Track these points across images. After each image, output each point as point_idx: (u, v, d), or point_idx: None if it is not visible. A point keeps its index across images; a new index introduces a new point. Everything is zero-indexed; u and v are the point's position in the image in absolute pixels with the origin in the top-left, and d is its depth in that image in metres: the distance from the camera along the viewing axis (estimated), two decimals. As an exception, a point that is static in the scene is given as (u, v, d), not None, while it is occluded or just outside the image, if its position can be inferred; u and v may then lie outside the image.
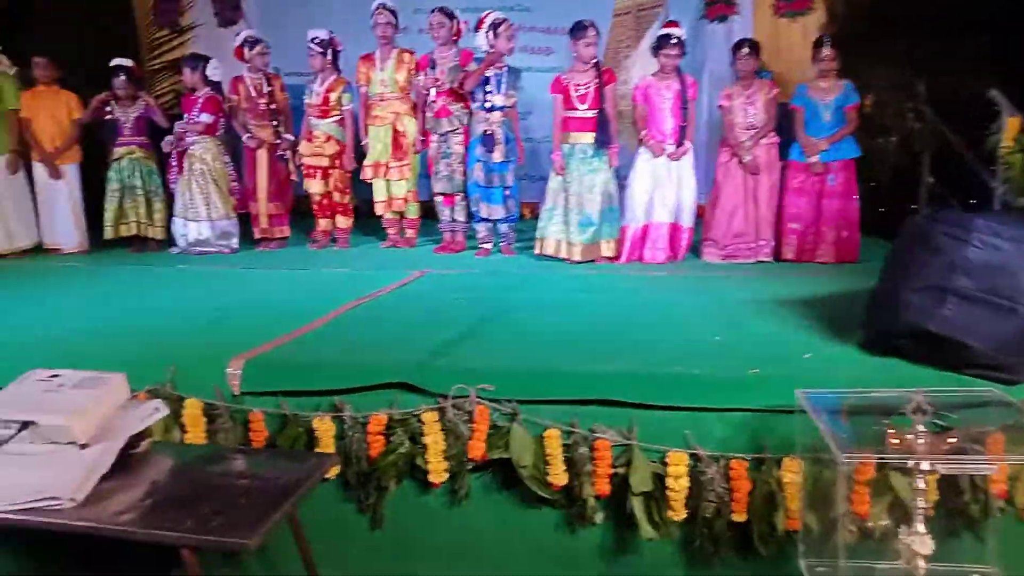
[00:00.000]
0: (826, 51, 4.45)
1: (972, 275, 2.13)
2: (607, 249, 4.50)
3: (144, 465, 1.99)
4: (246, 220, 5.20)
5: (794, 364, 2.34)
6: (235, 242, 5.08)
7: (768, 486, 2.08)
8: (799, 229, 4.52)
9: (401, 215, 5.13)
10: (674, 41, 4.39)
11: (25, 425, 1.85)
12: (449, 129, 4.80)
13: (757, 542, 2.10)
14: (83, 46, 5.58)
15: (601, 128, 4.37)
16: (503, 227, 4.81)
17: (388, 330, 2.86)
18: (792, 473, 2.06)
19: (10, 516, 1.73)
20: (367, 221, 5.45)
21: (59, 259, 4.96)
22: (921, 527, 1.74)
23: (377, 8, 4.83)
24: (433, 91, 4.76)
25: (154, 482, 1.90)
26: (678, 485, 2.11)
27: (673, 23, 4.77)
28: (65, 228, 5.09)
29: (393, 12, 4.85)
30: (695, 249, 4.64)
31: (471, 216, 4.85)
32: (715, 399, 2.14)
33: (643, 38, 6.02)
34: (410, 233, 5.19)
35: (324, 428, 2.27)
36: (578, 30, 4.36)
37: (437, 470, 2.22)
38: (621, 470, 2.15)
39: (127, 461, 1.94)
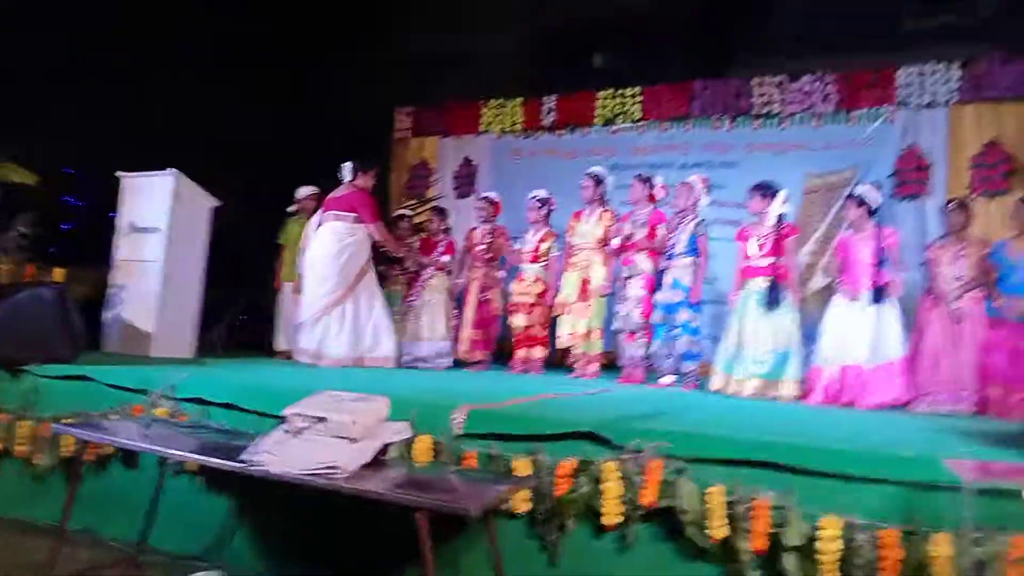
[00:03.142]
0: None
1: None
2: (786, 388, 4.75)
3: (388, 466, 2.62)
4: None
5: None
6: (448, 361, 5.94)
7: (919, 559, 2.24)
8: (1001, 388, 4.50)
9: (586, 350, 5.71)
10: (853, 198, 4.93)
11: (318, 420, 2.57)
12: (629, 275, 5.50)
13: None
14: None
15: (777, 275, 4.83)
16: (683, 364, 5.23)
17: (577, 407, 3.38)
18: (942, 547, 2.21)
19: (304, 477, 2.41)
20: (557, 355, 6.10)
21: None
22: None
23: (585, 175, 5.82)
24: (616, 241, 5.56)
25: (396, 475, 2.52)
26: (830, 548, 2.33)
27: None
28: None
29: (596, 178, 5.77)
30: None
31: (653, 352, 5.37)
32: (868, 469, 2.38)
33: (829, 215, 6.44)
34: (593, 366, 5.68)
35: (522, 467, 2.77)
36: (760, 189, 5.05)
37: (611, 513, 2.61)
38: (778, 530, 2.41)
39: (377, 461, 2.58)
